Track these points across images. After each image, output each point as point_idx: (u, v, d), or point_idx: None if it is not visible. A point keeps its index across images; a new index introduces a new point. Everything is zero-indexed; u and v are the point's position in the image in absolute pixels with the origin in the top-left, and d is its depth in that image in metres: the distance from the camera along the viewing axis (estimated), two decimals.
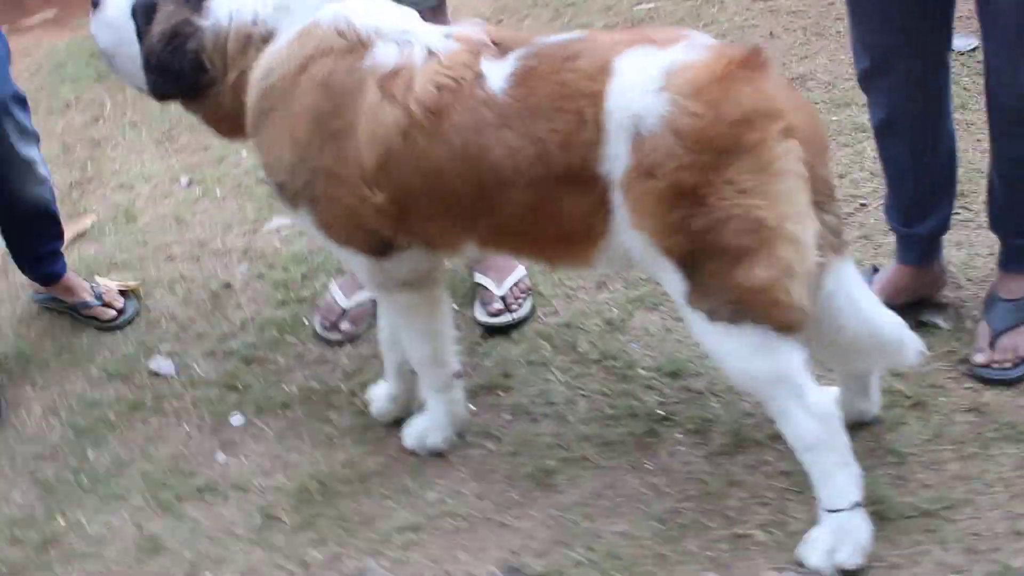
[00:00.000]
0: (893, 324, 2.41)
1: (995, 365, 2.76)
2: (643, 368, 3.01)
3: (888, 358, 2.46)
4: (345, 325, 3.31)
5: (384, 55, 2.41)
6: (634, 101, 2.19)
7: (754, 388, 2.37)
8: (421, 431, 2.88)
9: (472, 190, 2.37)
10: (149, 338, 3.50)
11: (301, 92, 2.45)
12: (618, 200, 2.26)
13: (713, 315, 2.24)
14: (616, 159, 2.23)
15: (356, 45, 2.44)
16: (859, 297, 2.37)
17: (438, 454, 2.87)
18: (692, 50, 2.23)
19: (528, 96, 2.31)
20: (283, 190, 2.58)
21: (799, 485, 2.50)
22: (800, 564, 2.36)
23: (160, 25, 2.55)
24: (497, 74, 2.33)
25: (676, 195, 2.16)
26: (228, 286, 3.67)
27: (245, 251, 3.82)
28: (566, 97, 2.27)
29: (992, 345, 2.78)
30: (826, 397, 2.31)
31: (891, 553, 2.38)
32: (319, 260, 3.64)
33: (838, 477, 2.33)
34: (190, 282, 3.71)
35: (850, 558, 2.33)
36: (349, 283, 3.30)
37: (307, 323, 3.40)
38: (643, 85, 2.19)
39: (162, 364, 3.36)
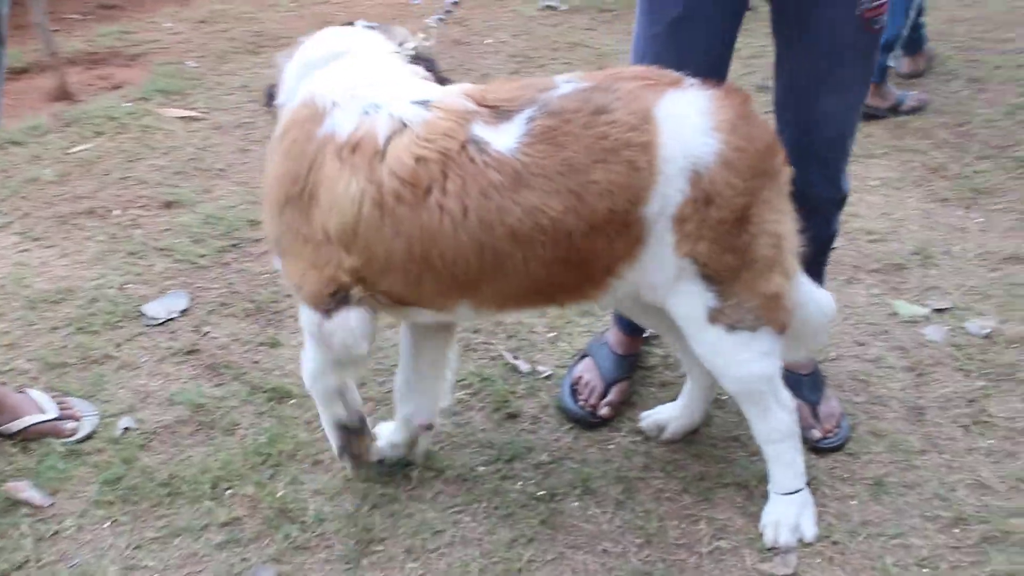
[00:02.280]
0: (829, 303, 2.71)
1: (829, 435, 2.94)
2: None
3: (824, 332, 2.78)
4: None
5: (339, 124, 2.32)
6: (691, 145, 2.30)
7: (752, 389, 2.56)
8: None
9: (477, 254, 2.32)
10: None
11: (277, 158, 2.42)
12: (663, 234, 2.35)
13: (736, 326, 2.44)
14: (666, 197, 2.31)
15: (315, 114, 2.35)
16: (812, 290, 2.65)
17: None
18: (705, 91, 2.36)
19: (555, 153, 2.27)
20: (267, 239, 2.58)
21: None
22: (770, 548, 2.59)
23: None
24: (503, 136, 2.29)
25: (734, 219, 2.35)
26: None
27: None
28: (609, 150, 2.27)
29: (816, 417, 2.96)
30: (789, 393, 2.61)
31: None
32: None
33: (797, 461, 2.66)
34: None
35: (811, 529, 2.64)
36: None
37: None
38: (694, 129, 2.31)
39: None
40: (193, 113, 4.83)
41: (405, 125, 2.30)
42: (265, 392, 3.07)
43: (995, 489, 2.77)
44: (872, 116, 4.80)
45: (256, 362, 3.22)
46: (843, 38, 2.67)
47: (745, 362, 2.49)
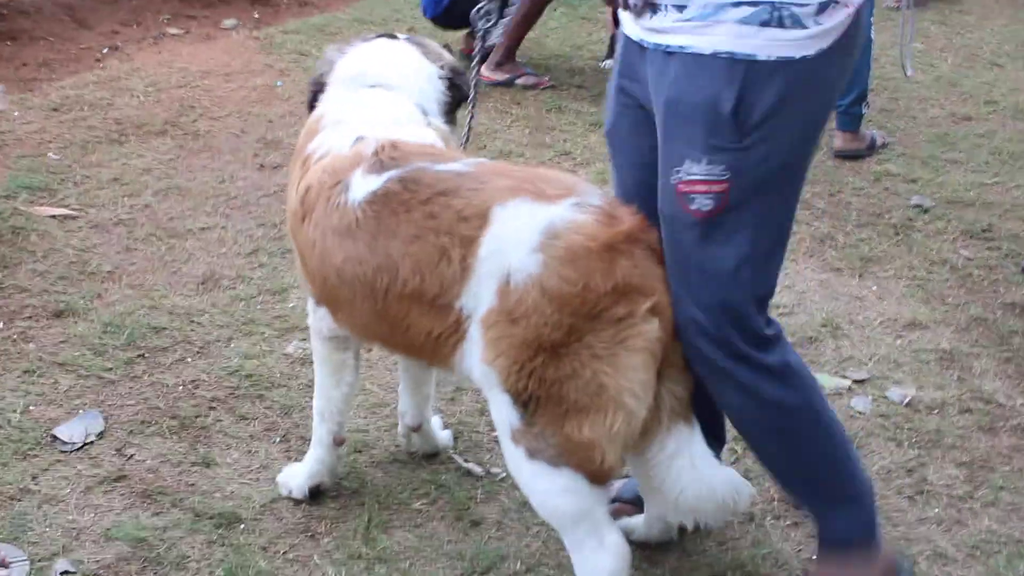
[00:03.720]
0: (728, 479, 2.48)
1: None
2: None
3: (726, 512, 2.54)
4: None
5: (314, 143, 2.69)
6: (508, 255, 2.27)
7: (558, 522, 2.45)
8: (287, 474, 2.98)
9: (321, 281, 2.60)
10: None
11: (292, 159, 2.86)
12: (475, 333, 2.34)
13: (534, 454, 2.32)
14: (479, 298, 2.31)
15: (313, 130, 2.75)
16: (700, 460, 2.44)
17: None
18: (578, 210, 2.29)
19: (385, 216, 2.41)
20: None
21: None
22: None
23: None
24: (361, 187, 2.47)
25: (534, 346, 2.26)
26: None
27: None
28: (430, 230, 2.34)
29: None
30: (621, 538, 2.41)
31: None
32: None
33: None
34: None
35: None
36: None
37: None
38: (520, 241, 2.26)
39: None
40: (66, 211, 4.54)
41: (327, 154, 2.62)
42: (211, 519, 2.87)
43: (953, 558, 2.87)
44: (854, 157, 5.51)
45: (192, 485, 3.01)
46: (664, 207, 2.36)
47: (543, 492, 2.38)
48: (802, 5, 2.20)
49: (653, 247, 2.35)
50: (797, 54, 2.22)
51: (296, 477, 2.95)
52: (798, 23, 2.21)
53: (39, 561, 2.73)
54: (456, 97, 2.95)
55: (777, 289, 4.09)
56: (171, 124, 5.56)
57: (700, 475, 2.43)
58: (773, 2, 2.20)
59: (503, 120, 5.85)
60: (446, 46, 6.99)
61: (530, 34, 6.71)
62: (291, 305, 3.90)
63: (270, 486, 3.00)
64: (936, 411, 3.49)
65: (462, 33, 6.83)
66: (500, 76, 6.40)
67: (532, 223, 2.27)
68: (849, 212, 4.90)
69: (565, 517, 2.41)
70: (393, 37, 3.00)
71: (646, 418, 2.34)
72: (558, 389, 2.26)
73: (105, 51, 6.79)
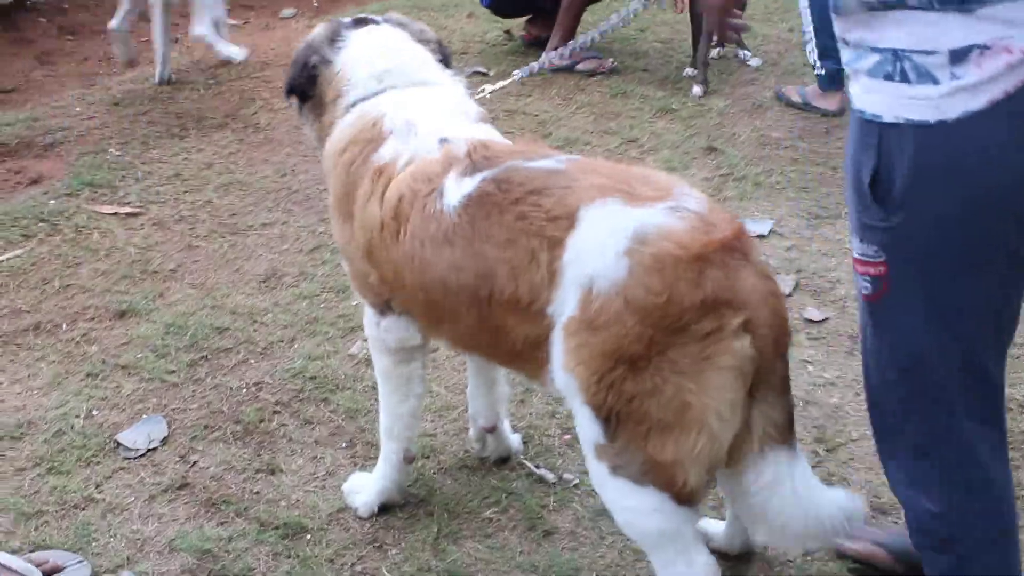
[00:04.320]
0: (836, 503, 2.30)
1: None
2: None
3: (836, 536, 2.37)
4: None
5: (386, 151, 2.52)
6: (592, 259, 2.13)
7: (643, 541, 2.34)
8: (354, 485, 2.90)
9: (424, 296, 2.44)
10: None
11: (336, 172, 2.63)
12: (557, 340, 2.22)
13: (617, 471, 2.21)
14: (563, 304, 2.18)
15: (376, 138, 2.56)
16: (804, 490, 2.26)
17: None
18: (671, 215, 2.13)
19: (480, 220, 2.28)
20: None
21: None
22: None
23: (309, 39, 2.84)
24: (455, 191, 2.35)
25: (614, 357, 2.13)
26: None
27: None
28: (521, 231, 2.22)
29: None
30: (711, 559, 2.29)
31: None
32: None
33: None
34: None
35: None
36: None
37: None
38: (604, 245, 2.12)
39: None
40: (128, 209, 4.51)
41: (414, 160, 2.46)
42: (276, 529, 2.80)
43: None
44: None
45: (257, 493, 2.95)
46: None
47: (629, 511, 2.27)
48: (928, 53, 1.81)
49: (750, 258, 2.16)
50: (932, 117, 1.82)
51: (363, 494, 2.86)
52: (927, 77, 1.82)
53: (104, 573, 2.67)
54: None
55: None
56: (231, 117, 5.52)
57: (804, 505, 2.26)
58: (895, 50, 1.84)
59: (567, 107, 5.71)
60: (507, 31, 6.93)
61: (591, 17, 6.56)
62: (355, 303, 3.81)
63: (336, 494, 2.92)
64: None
65: (522, 20, 6.72)
66: (560, 61, 6.26)
67: (620, 227, 2.13)
68: None
69: (652, 536, 2.29)
70: (368, 21, 2.84)
71: (735, 441, 2.19)
72: (639, 405, 2.13)
73: None
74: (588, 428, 2.23)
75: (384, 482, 2.83)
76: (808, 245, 4.28)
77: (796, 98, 5.69)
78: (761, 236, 4.31)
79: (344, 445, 3.13)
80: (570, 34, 6.33)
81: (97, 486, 2.96)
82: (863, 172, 1.92)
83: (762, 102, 5.81)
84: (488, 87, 2.91)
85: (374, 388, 2.89)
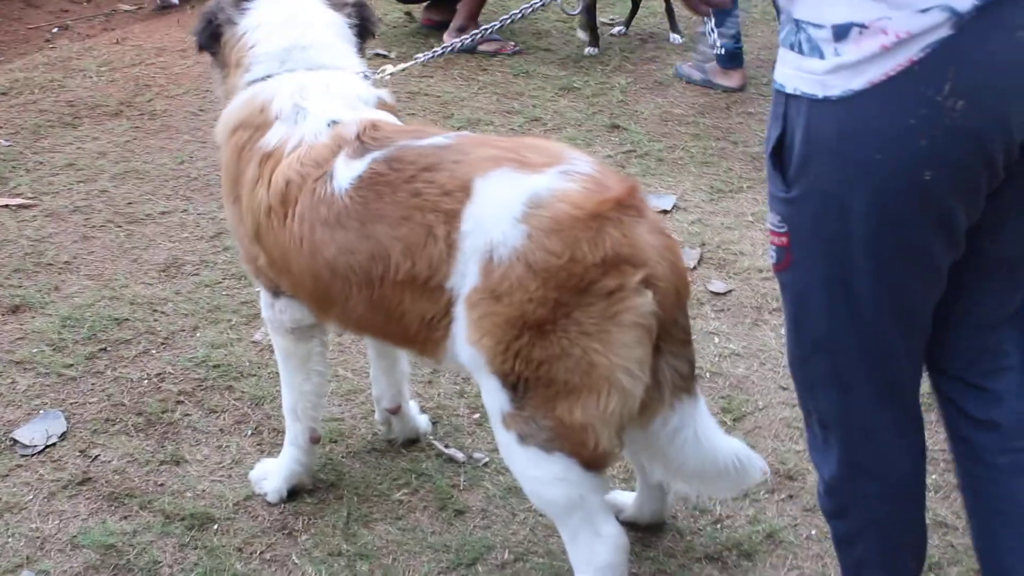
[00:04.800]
0: (735, 450, 2.39)
1: None
2: None
3: (733, 483, 2.44)
4: None
5: (273, 136, 2.50)
6: (489, 228, 2.14)
7: (551, 511, 2.35)
8: (261, 472, 2.86)
9: (312, 280, 2.43)
10: None
11: (226, 153, 2.62)
12: (460, 313, 2.22)
13: (525, 439, 2.21)
14: (464, 277, 2.19)
15: (264, 124, 2.53)
16: (704, 431, 2.34)
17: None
18: (564, 179, 2.15)
19: (372, 200, 2.27)
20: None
21: None
22: None
23: None
24: (345, 173, 2.34)
25: (519, 324, 2.13)
26: None
27: None
28: (415, 208, 2.23)
29: None
30: (619, 528, 2.31)
31: None
32: None
33: None
34: None
35: None
36: None
37: None
38: (501, 213, 2.13)
39: None
40: (19, 200, 4.36)
41: (302, 144, 2.44)
42: (183, 520, 2.74)
43: (954, 526, 2.78)
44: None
45: (161, 485, 2.88)
46: None
47: (536, 480, 2.27)
48: (817, 27, 1.74)
49: (645, 215, 2.19)
50: (819, 92, 1.76)
51: (272, 479, 2.82)
52: (816, 50, 1.76)
53: (3, 574, 2.59)
54: (364, 34, 2.81)
55: (758, 252, 4.05)
56: (126, 104, 5.38)
57: (702, 446, 2.33)
58: (797, 20, 1.78)
59: (469, 88, 5.69)
60: (408, 13, 6.87)
61: (494, 2, 6.55)
62: (258, 290, 3.75)
63: (243, 483, 2.88)
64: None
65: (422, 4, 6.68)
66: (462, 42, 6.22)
67: (515, 193, 2.14)
68: None
69: (559, 506, 2.29)
70: None
71: (645, 396, 2.21)
72: (547, 370, 2.13)
73: (55, 31, 6.59)
74: (495, 397, 2.22)
75: (292, 465, 2.79)
76: (711, 219, 4.33)
77: (697, 75, 5.75)
78: (665, 211, 4.35)
79: (250, 433, 3.08)
80: (473, 18, 6.30)
81: None
82: (770, 140, 1.88)
83: (663, 80, 5.85)
84: (389, 68, 2.85)
85: (279, 375, 2.85)
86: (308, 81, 2.58)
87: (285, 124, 2.50)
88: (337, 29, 2.73)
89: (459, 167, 2.22)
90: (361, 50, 2.80)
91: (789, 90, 1.81)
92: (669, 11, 6.43)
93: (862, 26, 1.69)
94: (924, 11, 1.66)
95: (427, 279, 2.23)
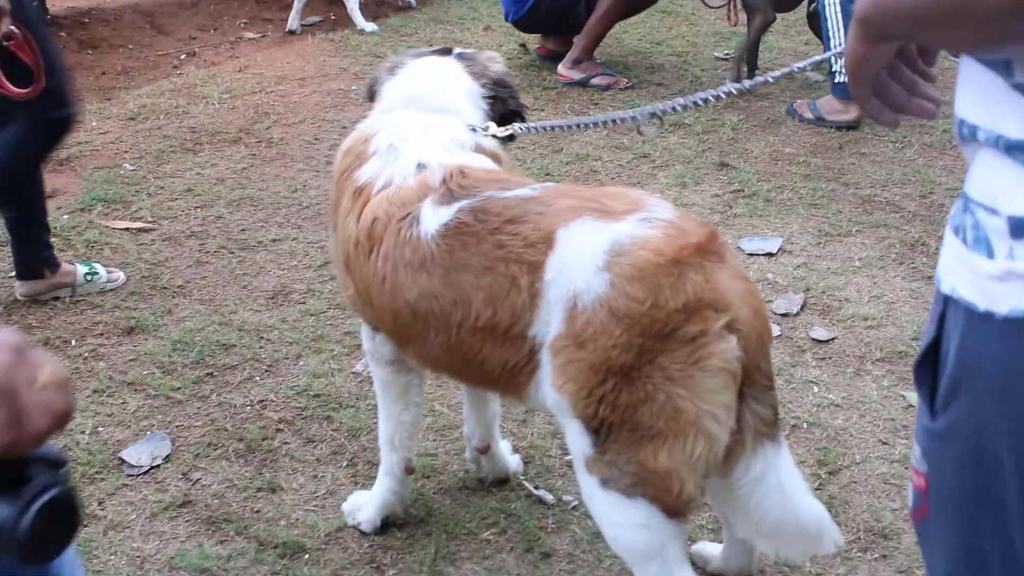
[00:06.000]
0: (816, 514, 2.34)
1: None
2: None
3: (806, 547, 2.39)
4: None
5: (367, 170, 2.58)
6: (573, 277, 2.16)
7: (629, 557, 2.32)
8: (355, 503, 2.93)
9: (392, 317, 2.49)
10: None
11: (334, 176, 2.75)
12: (544, 360, 2.24)
13: (607, 484, 2.20)
14: (547, 324, 2.21)
15: (363, 153, 2.62)
16: (788, 483, 2.29)
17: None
18: (645, 226, 2.16)
19: (457, 249, 2.32)
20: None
21: None
22: None
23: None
24: (432, 219, 2.39)
25: (603, 369, 2.13)
26: None
27: None
28: (500, 260, 2.26)
29: None
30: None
31: None
32: None
33: None
34: None
35: None
36: None
37: None
38: (584, 262, 2.15)
39: None
40: (140, 224, 4.54)
41: (390, 184, 2.51)
42: (275, 548, 2.81)
43: None
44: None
45: (257, 512, 2.96)
46: None
47: (616, 525, 2.26)
48: (990, 211, 1.24)
49: (726, 260, 2.19)
50: (980, 303, 1.24)
51: (366, 509, 2.87)
52: (983, 244, 1.24)
53: None
54: (501, 111, 2.82)
55: (864, 299, 3.98)
56: (245, 132, 5.56)
57: (785, 498, 2.28)
58: (966, 195, 1.30)
59: None
60: (522, 45, 6.95)
61: (618, 32, 6.57)
62: (361, 321, 3.83)
63: (335, 513, 2.93)
64: None
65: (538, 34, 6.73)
66: (576, 75, 6.28)
67: (596, 242, 2.16)
68: (941, 215, 4.66)
69: (638, 553, 2.28)
70: (447, 52, 2.90)
71: (729, 442, 2.20)
72: (631, 415, 2.14)
73: (183, 57, 6.84)
74: (578, 441, 2.23)
75: (387, 495, 2.85)
76: (817, 263, 4.26)
77: (808, 114, 5.68)
78: (770, 254, 4.30)
79: (345, 464, 3.14)
80: (592, 48, 6.34)
81: (100, 503, 2.98)
82: (922, 344, 1.39)
83: (775, 117, 5.79)
84: (494, 127, 2.85)
85: (376, 407, 2.90)
86: (410, 119, 2.66)
87: (379, 160, 2.59)
88: (466, 91, 2.78)
89: (542, 219, 2.26)
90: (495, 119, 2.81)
91: (945, 289, 1.31)
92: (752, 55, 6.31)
93: None
94: None
95: (508, 328, 2.27)
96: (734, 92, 2.76)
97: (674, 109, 2.72)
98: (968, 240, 1.27)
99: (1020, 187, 1.21)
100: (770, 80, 2.70)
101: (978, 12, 1.12)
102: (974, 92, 1.28)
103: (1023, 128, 1.20)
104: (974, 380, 1.30)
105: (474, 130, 2.68)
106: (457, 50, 2.92)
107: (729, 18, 6.40)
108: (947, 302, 1.33)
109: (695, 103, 2.67)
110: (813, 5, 6.08)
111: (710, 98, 2.68)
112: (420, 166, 2.51)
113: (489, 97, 2.80)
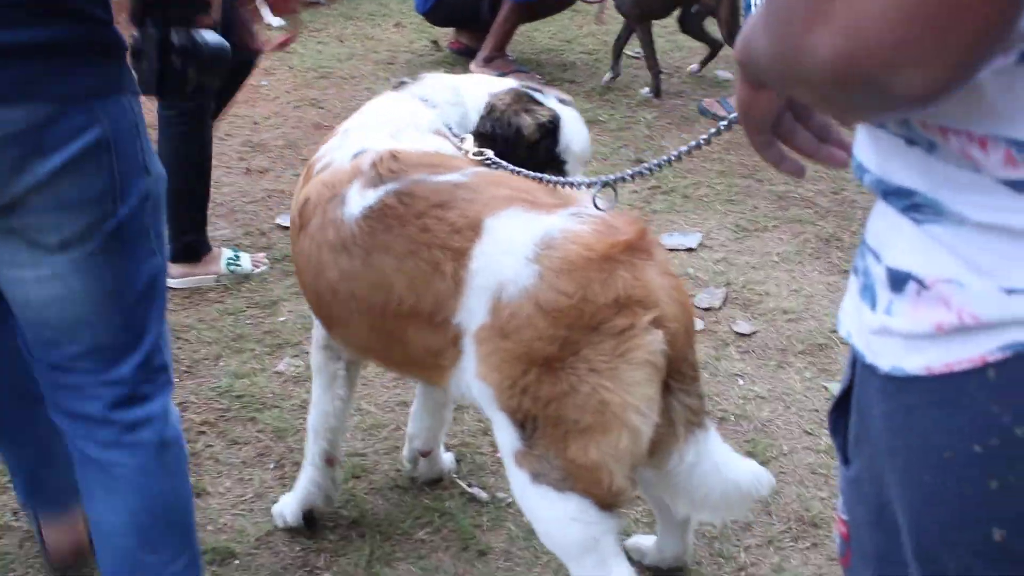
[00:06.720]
0: (750, 471, 2.38)
1: None
2: None
3: (750, 502, 2.44)
4: None
5: (320, 152, 2.59)
6: (501, 267, 2.14)
7: (564, 553, 2.30)
8: (283, 503, 2.86)
9: (314, 296, 2.50)
10: None
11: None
12: (469, 347, 2.22)
13: (538, 478, 2.18)
14: (472, 312, 2.18)
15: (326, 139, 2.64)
16: (722, 460, 2.33)
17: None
18: (576, 220, 2.15)
19: (380, 232, 2.29)
20: None
21: None
22: None
23: None
24: (357, 201, 2.36)
25: (527, 361, 2.12)
26: None
27: None
28: (423, 244, 2.23)
29: None
30: (631, 570, 2.26)
31: None
32: None
33: None
34: None
35: None
36: None
37: None
38: (513, 252, 2.13)
39: None
40: None
41: (329, 166, 2.50)
42: (204, 554, 2.70)
43: None
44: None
45: None
46: None
47: (548, 520, 2.23)
48: (876, 257, 1.10)
49: (654, 257, 2.18)
50: (866, 354, 1.11)
51: (289, 503, 2.81)
52: (868, 292, 1.12)
53: None
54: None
55: (784, 293, 4.04)
56: (151, 128, 5.38)
57: (723, 474, 2.31)
58: (864, 237, 1.17)
59: None
60: (434, 42, 6.91)
61: (520, 27, 6.57)
62: (281, 319, 3.76)
63: (265, 517, 2.86)
64: None
65: (450, 29, 6.70)
66: (489, 73, 6.25)
67: (526, 233, 2.14)
68: (854, 210, 4.76)
69: (571, 547, 2.25)
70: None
71: (657, 435, 2.19)
72: (556, 408, 2.11)
73: None
74: (506, 435, 2.20)
75: (309, 486, 2.78)
76: (736, 258, 4.32)
77: (722, 111, 5.75)
78: (690, 249, 4.33)
79: (272, 466, 3.07)
80: (503, 45, 6.33)
81: (14, 513, 2.86)
82: (839, 387, 1.27)
83: (689, 115, 5.86)
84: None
85: (302, 407, 2.85)
86: (389, 109, 2.65)
87: (332, 143, 2.59)
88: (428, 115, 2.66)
89: (471, 206, 2.23)
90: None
91: (842, 333, 1.20)
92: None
93: (921, 283, 1.05)
94: (1011, 292, 0.99)
95: (431, 313, 2.24)
96: (705, 142, 2.35)
97: (639, 174, 2.27)
98: (858, 286, 1.15)
99: (898, 236, 1.07)
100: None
101: (809, 81, 0.92)
102: (863, 134, 1.14)
103: (906, 174, 1.06)
104: (870, 433, 1.17)
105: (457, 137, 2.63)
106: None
107: (598, 17, 6.53)
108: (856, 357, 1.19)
109: (668, 161, 2.24)
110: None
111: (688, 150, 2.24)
112: (361, 151, 2.47)
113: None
